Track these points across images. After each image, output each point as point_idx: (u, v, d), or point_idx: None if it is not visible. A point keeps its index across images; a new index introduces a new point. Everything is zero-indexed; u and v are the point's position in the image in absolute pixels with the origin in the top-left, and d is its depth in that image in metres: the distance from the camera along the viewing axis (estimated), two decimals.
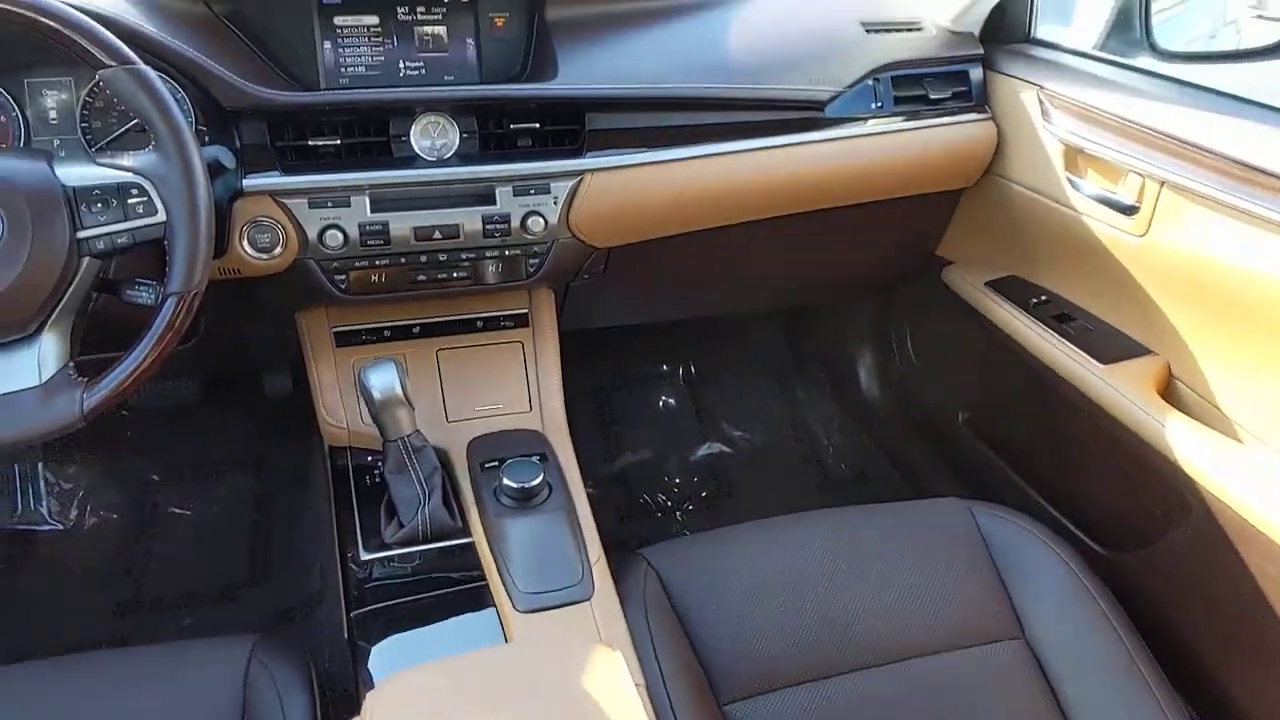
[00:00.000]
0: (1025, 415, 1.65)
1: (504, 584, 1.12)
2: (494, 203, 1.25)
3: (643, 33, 1.37)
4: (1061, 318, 1.45)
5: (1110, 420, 1.30)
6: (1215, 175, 1.15)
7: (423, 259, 1.27)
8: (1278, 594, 1.13)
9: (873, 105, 1.43)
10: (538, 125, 1.28)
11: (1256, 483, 1.12)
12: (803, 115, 1.40)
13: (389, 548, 1.22)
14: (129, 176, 0.98)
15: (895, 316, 2.03)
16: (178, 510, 1.86)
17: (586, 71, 1.30)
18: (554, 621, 1.09)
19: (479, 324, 1.45)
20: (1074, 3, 1.53)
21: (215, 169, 1.13)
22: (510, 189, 1.25)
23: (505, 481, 1.20)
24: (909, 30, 1.49)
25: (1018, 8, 1.52)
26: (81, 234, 0.96)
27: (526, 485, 1.19)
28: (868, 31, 1.46)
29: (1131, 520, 1.38)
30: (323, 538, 1.40)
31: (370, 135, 1.23)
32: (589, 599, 1.11)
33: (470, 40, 1.30)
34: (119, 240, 0.97)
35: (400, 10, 1.27)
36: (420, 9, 1.28)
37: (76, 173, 0.98)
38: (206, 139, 1.17)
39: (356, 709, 0.77)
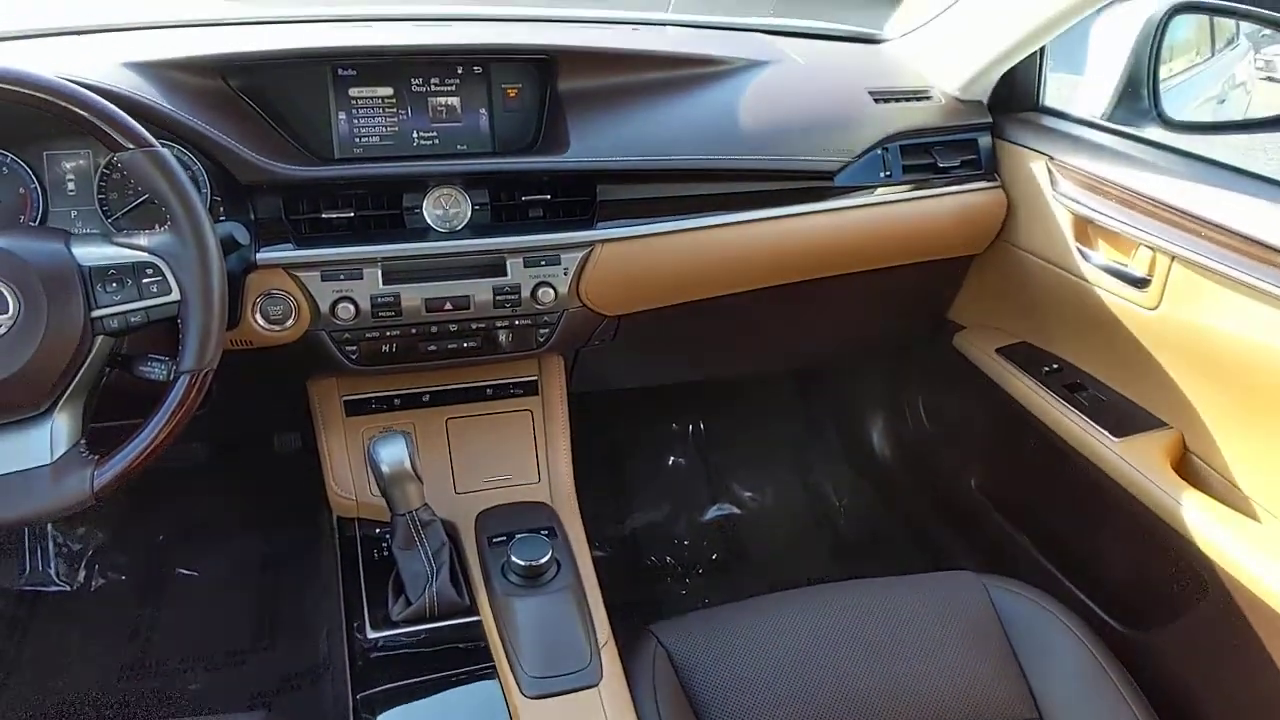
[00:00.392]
0: (1038, 483, 1.63)
1: (511, 667, 1.12)
2: (505, 273, 1.26)
3: (653, 103, 1.38)
4: (1074, 387, 1.44)
5: (1124, 494, 1.29)
6: (1226, 251, 1.14)
7: (433, 329, 1.27)
8: None
9: (882, 174, 1.44)
10: (549, 196, 1.28)
11: (1274, 562, 1.10)
12: (812, 185, 1.40)
13: (396, 625, 1.21)
14: (144, 256, 0.99)
15: (908, 380, 2.02)
16: (185, 571, 1.86)
17: (598, 142, 1.30)
18: (562, 707, 1.08)
19: (489, 391, 1.44)
20: (1081, 72, 1.54)
21: (229, 245, 1.14)
22: (521, 260, 1.26)
23: (513, 559, 1.19)
24: (917, 99, 1.50)
25: (1026, 76, 1.53)
26: (96, 313, 0.97)
27: (534, 563, 1.18)
28: (876, 101, 1.47)
29: (1146, 596, 1.36)
30: (330, 607, 1.39)
31: (384, 208, 1.24)
32: (597, 685, 1.10)
33: (483, 110, 1.32)
34: (133, 319, 0.98)
35: (414, 82, 1.29)
36: (434, 80, 1.30)
37: (94, 253, 0.98)
38: (222, 211, 1.19)
39: None
